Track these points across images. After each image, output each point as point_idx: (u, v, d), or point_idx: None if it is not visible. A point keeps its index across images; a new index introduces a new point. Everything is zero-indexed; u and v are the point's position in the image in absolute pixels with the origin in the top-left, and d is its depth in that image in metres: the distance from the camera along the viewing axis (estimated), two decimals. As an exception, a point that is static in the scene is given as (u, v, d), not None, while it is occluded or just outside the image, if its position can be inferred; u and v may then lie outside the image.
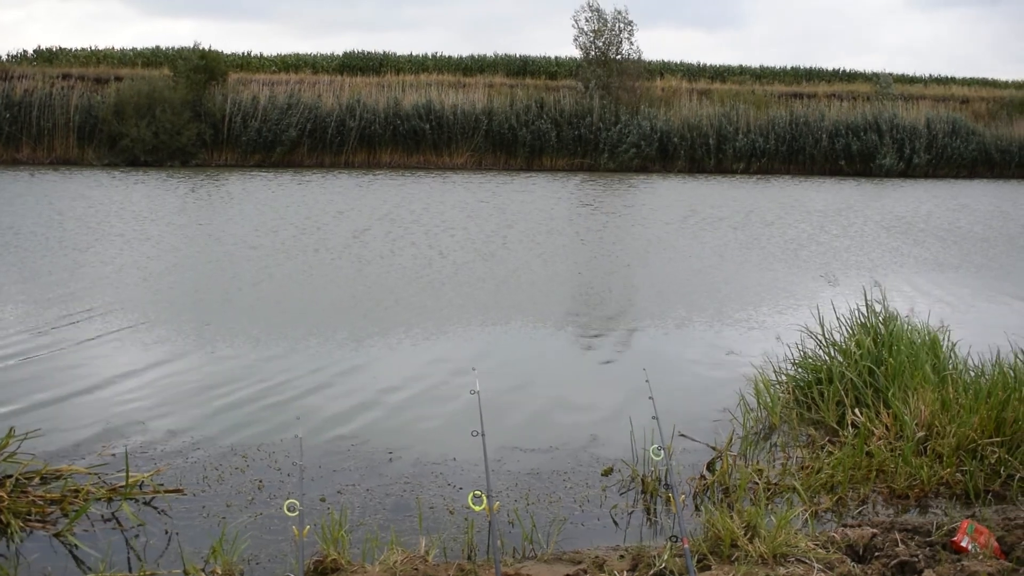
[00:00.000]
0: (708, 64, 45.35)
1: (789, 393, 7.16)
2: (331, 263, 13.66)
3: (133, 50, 40.97)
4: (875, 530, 4.76)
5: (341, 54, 42.02)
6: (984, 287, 12.99)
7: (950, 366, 6.87)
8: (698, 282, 12.80)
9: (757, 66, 45.53)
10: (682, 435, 6.29)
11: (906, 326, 7.27)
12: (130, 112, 31.70)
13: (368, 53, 42.21)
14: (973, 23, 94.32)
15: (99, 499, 5.24)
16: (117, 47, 41.44)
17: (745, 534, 4.58)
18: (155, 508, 5.28)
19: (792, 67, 45.82)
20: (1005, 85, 45.84)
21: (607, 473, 5.93)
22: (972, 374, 6.74)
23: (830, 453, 5.98)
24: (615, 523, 5.25)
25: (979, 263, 15.22)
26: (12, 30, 76.01)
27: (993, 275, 14.06)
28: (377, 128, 34.10)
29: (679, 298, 11.75)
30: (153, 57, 39.75)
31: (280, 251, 14.64)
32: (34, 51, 39.40)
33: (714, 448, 6.12)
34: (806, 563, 4.37)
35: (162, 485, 5.50)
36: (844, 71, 45.85)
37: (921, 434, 5.93)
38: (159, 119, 31.50)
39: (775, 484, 5.60)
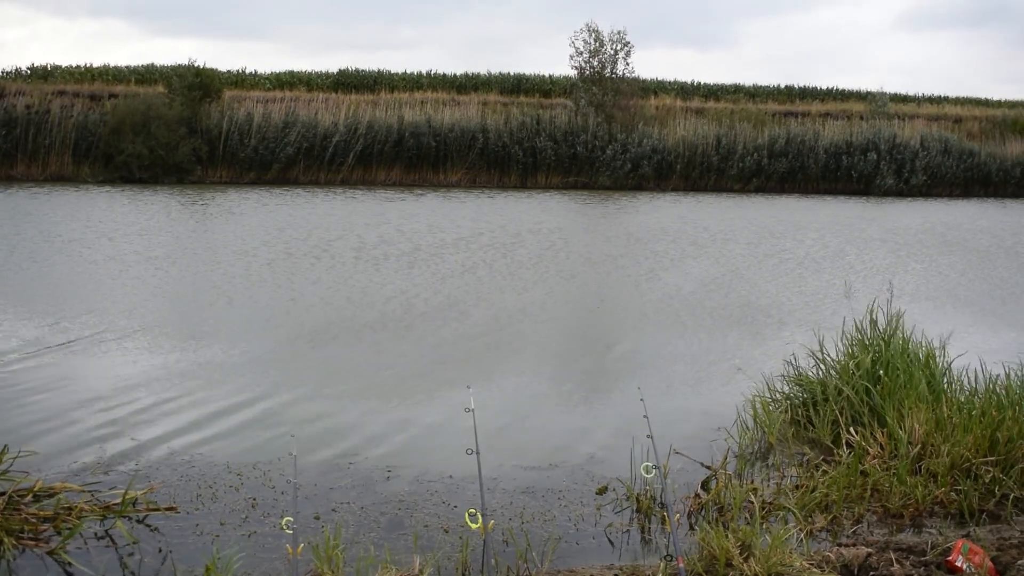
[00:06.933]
0: (702, 83, 45.49)
1: (786, 411, 7.17)
2: (330, 282, 13.64)
3: (128, 67, 40.95)
4: (870, 550, 4.77)
5: (335, 72, 42.11)
6: (987, 304, 13.03)
7: (945, 384, 6.88)
8: (699, 299, 12.79)
9: (750, 84, 45.75)
10: (677, 453, 6.29)
11: (901, 341, 7.27)
12: (126, 129, 31.68)
13: (362, 71, 42.25)
14: (964, 44, 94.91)
15: (93, 517, 5.22)
16: (112, 64, 41.51)
17: (740, 553, 4.58)
18: (149, 526, 5.26)
19: (786, 86, 46.05)
20: (998, 104, 46.04)
21: (602, 492, 5.93)
22: (967, 392, 6.75)
23: (825, 472, 5.99)
24: (610, 542, 5.25)
25: (980, 276, 15.30)
26: (16, 48, 76.21)
27: (995, 289, 14.11)
28: (377, 146, 34.12)
29: (677, 315, 11.74)
30: (147, 74, 39.71)
31: (281, 268, 14.63)
32: (28, 68, 39.37)
33: (709, 467, 6.12)
34: (801, 582, 4.38)
35: (156, 503, 5.48)
36: (837, 90, 46.07)
37: (915, 450, 5.94)
38: (155, 135, 31.50)
39: (770, 503, 5.61)
